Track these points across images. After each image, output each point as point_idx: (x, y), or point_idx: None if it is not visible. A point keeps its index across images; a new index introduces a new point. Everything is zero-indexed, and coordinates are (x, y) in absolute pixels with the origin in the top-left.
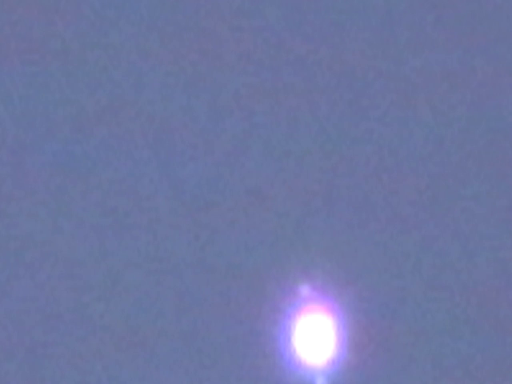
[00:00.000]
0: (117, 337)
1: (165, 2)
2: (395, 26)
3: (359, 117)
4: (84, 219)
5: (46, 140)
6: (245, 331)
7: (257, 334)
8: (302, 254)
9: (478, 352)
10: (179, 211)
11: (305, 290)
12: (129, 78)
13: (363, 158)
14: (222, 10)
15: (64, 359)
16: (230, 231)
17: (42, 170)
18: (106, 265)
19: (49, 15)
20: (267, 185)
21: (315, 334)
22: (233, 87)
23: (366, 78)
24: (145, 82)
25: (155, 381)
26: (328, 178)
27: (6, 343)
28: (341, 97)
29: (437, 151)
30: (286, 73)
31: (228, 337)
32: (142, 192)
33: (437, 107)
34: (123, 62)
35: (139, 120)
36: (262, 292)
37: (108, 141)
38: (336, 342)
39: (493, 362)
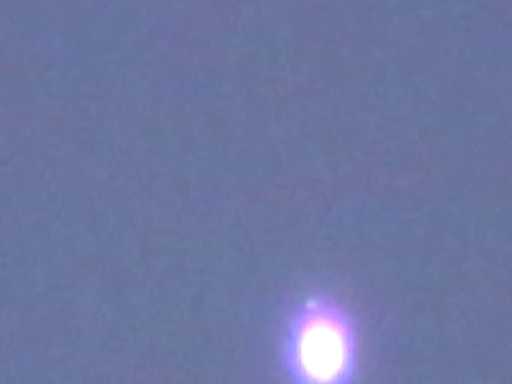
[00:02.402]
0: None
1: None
2: (397, 24)
3: (363, 121)
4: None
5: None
6: (251, 345)
7: (263, 348)
8: (309, 268)
9: (487, 366)
10: (186, 221)
11: (311, 304)
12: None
13: (370, 169)
14: (221, 11)
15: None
16: (236, 244)
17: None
18: (107, 263)
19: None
20: (275, 200)
21: (322, 348)
22: (232, 85)
23: (365, 78)
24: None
25: None
26: (334, 193)
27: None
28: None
29: (446, 164)
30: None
31: (234, 350)
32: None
33: (440, 110)
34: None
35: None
36: (269, 306)
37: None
38: (343, 357)
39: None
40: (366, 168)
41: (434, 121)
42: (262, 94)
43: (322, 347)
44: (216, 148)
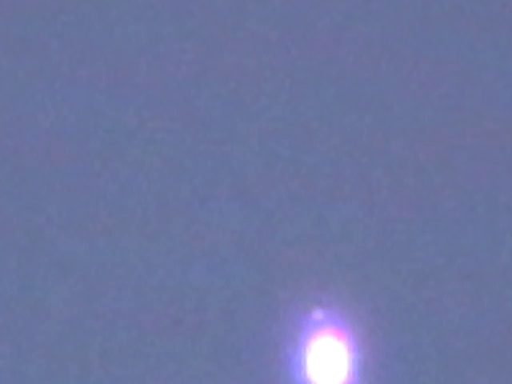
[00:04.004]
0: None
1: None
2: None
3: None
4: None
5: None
6: (257, 355)
7: (269, 358)
8: (315, 278)
9: (493, 373)
10: (190, 231)
11: (318, 314)
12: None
13: (377, 182)
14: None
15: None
16: (243, 254)
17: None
18: (110, 270)
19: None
20: (281, 210)
21: (328, 359)
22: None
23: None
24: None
25: None
26: (340, 206)
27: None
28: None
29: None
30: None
31: (240, 361)
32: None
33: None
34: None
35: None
36: (275, 316)
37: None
38: (348, 367)
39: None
40: (373, 174)
41: (433, 121)
42: (261, 93)
43: (328, 358)
44: (219, 154)
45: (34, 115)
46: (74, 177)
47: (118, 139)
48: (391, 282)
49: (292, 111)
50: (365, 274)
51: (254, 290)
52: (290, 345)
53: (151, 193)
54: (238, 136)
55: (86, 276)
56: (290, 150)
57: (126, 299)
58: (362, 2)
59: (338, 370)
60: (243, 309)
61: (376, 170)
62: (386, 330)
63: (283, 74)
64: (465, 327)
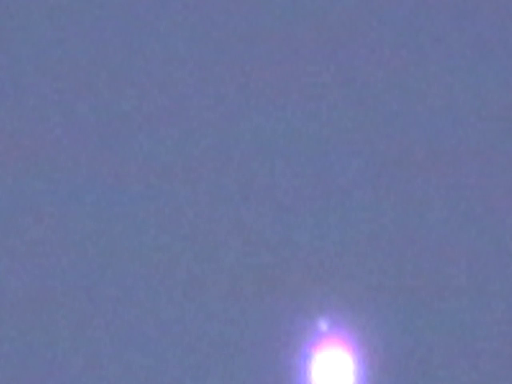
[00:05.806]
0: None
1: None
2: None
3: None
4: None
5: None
6: (263, 366)
7: (275, 369)
8: (320, 288)
9: None
10: (196, 243)
11: (323, 324)
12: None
13: (382, 192)
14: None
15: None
16: (247, 264)
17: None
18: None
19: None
20: (286, 222)
21: (333, 369)
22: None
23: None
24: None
25: None
26: (345, 216)
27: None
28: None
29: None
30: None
31: (246, 371)
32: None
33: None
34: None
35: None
36: (281, 326)
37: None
38: (354, 377)
39: None
40: (377, 199)
41: (432, 122)
42: (263, 93)
43: (333, 367)
44: (222, 156)
45: (32, 116)
46: (74, 172)
47: (119, 136)
48: (397, 292)
49: (295, 113)
50: (370, 284)
51: (259, 300)
52: (295, 354)
53: (151, 194)
54: (239, 137)
55: (87, 277)
56: (296, 154)
57: (127, 302)
58: (362, 3)
59: (343, 379)
60: (248, 318)
61: (383, 178)
62: (392, 339)
63: (283, 74)
64: (470, 331)
